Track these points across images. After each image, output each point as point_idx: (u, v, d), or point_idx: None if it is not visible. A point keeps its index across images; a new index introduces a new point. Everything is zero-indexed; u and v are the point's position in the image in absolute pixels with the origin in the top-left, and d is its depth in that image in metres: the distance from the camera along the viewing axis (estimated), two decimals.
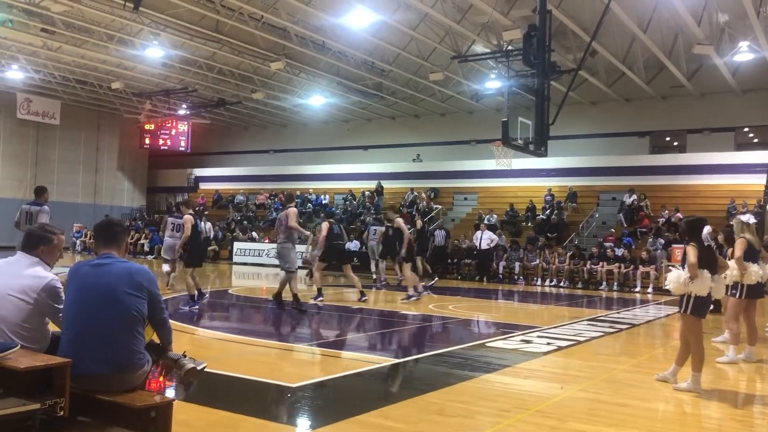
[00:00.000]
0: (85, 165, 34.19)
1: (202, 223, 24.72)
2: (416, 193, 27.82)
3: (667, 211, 21.98)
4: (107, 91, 29.44)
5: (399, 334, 10.05)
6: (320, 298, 12.04)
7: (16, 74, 26.94)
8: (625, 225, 22.41)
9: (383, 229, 16.63)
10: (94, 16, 20.02)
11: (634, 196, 23.05)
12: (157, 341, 3.93)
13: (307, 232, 12.15)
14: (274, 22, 19.95)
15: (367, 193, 28.68)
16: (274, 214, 27.37)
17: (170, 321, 3.99)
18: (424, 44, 20.91)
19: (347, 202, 29.41)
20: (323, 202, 29.51)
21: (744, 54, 19.43)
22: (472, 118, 28.96)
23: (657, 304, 15.31)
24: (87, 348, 3.47)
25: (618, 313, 13.03)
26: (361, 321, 11.19)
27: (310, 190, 30.96)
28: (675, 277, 6.03)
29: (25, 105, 29.60)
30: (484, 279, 20.98)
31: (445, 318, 11.37)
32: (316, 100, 28.09)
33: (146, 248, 27.98)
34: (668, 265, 12.78)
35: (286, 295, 11.35)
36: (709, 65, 21.33)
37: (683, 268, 5.99)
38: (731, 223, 8.38)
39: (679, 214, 20.47)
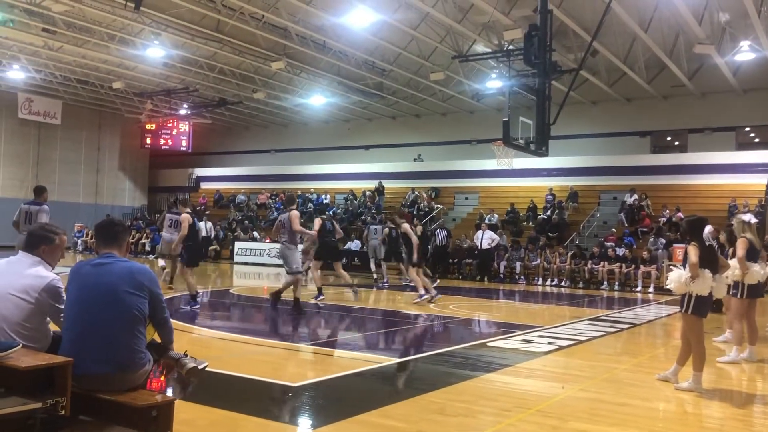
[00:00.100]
0: (86, 165, 34.21)
1: (203, 222, 24.84)
2: (417, 193, 27.81)
3: (668, 211, 21.97)
4: (108, 91, 29.46)
5: (400, 333, 10.05)
6: (321, 297, 12.03)
7: (17, 74, 26.97)
8: (626, 225, 22.41)
9: (386, 230, 16.66)
10: (95, 16, 20.03)
11: (635, 196, 23.04)
12: (159, 341, 3.94)
13: (312, 232, 12.09)
14: (275, 22, 19.96)
15: (368, 192, 28.67)
16: (275, 213, 27.38)
17: (171, 320, 4.00)
18: (425, 44, 20.90)
19: (348, 202, 29.42)
20: (324, 201, 29.51)
21: (745, 53, 19.41)
22: (473, 118, 28.95)
23: (658, 303, 15.31)
24: (88, 347, 3.48)
25: (619, 312, 13.03)
26: (362, 321, 11.19)
27: (311, 189, 30.96)
28: (676, 277, 6.03)
29: (26, 105, 29.62)
30: (485, 279, 20.98)
31: (446, 317, 11.36)
32: (317, 99, 28.10)
33: (147, 248, 27.99)
34: (669, 265, 12.75)
35: (288, 296, 11.28)
36: (710, 65, 21.32)
37: (684, 267, 5.99)
38: (732, 222, 8.37)
39: (680, 214, 20.45)
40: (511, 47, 18.45)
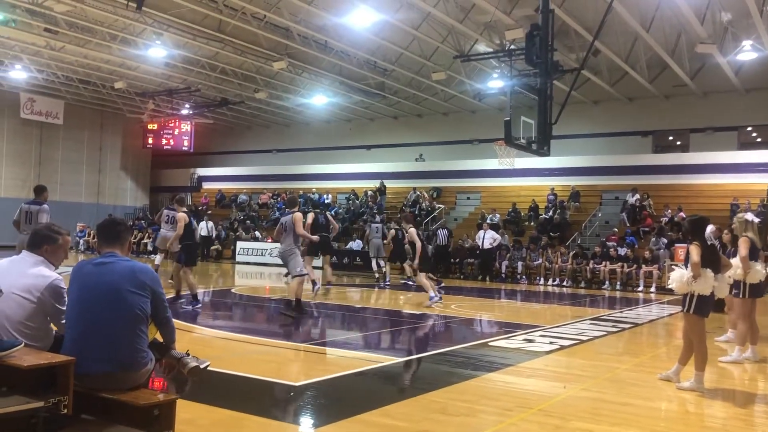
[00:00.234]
0: (88, 165, 34.24)
1: (204, 222, 24.86)
2: (419, 193, 27.81)
3: (670, 211, 21.95)
4: (110, 91, 29.49)
5: (402, 333, 10.05)
6: (317, 288, 12.04)
7: (19, 74, 27.00)
8: (628, 224, 22.39)
9: (392, 231, 16.72)
10: (97, 16, 20.04)
11: (637, 196, 23.02)
12: (160, 340, 3.94)
13: (315, 237, 12.03)
14: (276, 22, 19.97)
15: (369, 192, 28.68)
16: (277, 213, 27.40)
17: (173, 320, 4.00)
18: (427, 44, 20.90)
19: (350, 202, 29.44)
20: (326, 201, 29.52)
21: (747, 53, 19.38)
22: (475, 118, 28.94)
23: (660, 303, 15.29)
24: (90, 347, 3.48)
25: (621, 312, 13.02)
26: (364, 320, 11.20)
27: (313, 189, 30.97)
28: (678, 277, 6.02)
29: (28, 105, 29.65)
30: (487, 278, 20.97)
31: (447, 317, 11.36)
32: (319, 99, 28.11)
33: (149, 247, 28.00)
34: (671, 265, 12.74)
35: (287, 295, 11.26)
36: (712, 64, 21.29)
37: (686, 267, 5.98)
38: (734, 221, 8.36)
39: (682, 214, 20.44)
40: (512, 47, 18.44)
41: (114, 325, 3.53)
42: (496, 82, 23.22)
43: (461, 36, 20.33)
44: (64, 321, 3.66)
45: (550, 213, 23.95)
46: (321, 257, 15.07)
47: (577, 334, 9.27)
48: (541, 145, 14.71)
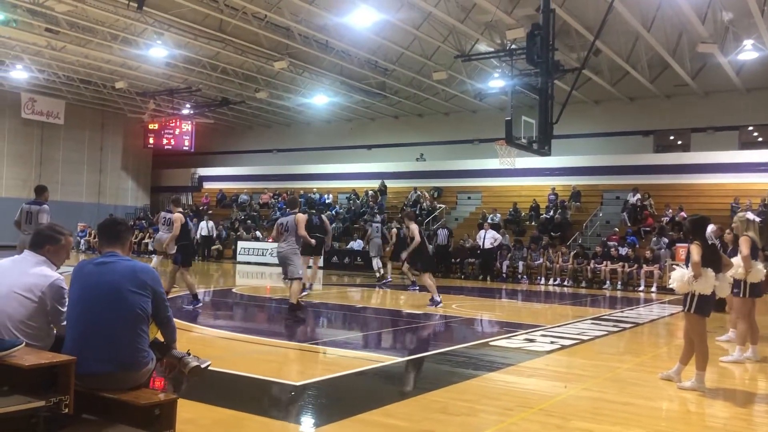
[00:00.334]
0: (89, 164, 34.27)
1: (204, 222, 24.85)
2: (419, 193, 27.81)
3: (671, 210, 21.94)
4: (111, 91, 29.52)
5: (402, 332, 10.05)
6: (307, 291, 12.04)
7: (20, 74, 27.03)
8: (629, 224, 22.39)
9: (395, 230, 16.70)
10: (98, 16, 20.06)
11: (638, 195, 23.02)
12: (161, 339, 3.94)
13: (313, 241, 11.98)
14: (277, 22, 19.98)
15: (370, 192, 28.68)
16: (278, 213, 27.41)
17: (174, 319, 4.01)
18: (428, 43, 20.90)
19: (351, 202, 29.44)
20: (327, 201, 29.54)
21: (748, 52, 19.38)
22: (476, 117, 28.95)
23: (661, 303, 15.28)
24: (91, 346, 3.48)
25: (622, 312, 13.01)
26: (365, 320, 11.20)
27: (314, 189, 30.98)
28: (679, 276, 6.02)
29: (29, 105, 29.67)
30: (488, 278, 20.96)
31: (448, 317, 11.36)
32: (320, 99, 28.12)
33: (150, 247, 28.00)
34: (672, 264, 12.74)
35: (286, 294, 11.24)
36: (714, 64, 21.28)
37: (687, 266, 5.98)
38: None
39: (683, 213, 20.43)
40: (513, 46, 18.46)
41: (115, 325, 3.53)
42: (497, 82, 23.23)
43: (462, 36, 20.32)
44: (64, 322, 3.66)
45: (551, 213, 23.94)
46: (311, 259, 14.96)
47: (578, 334, 9.27)
48: (542, 144, 14.70)
